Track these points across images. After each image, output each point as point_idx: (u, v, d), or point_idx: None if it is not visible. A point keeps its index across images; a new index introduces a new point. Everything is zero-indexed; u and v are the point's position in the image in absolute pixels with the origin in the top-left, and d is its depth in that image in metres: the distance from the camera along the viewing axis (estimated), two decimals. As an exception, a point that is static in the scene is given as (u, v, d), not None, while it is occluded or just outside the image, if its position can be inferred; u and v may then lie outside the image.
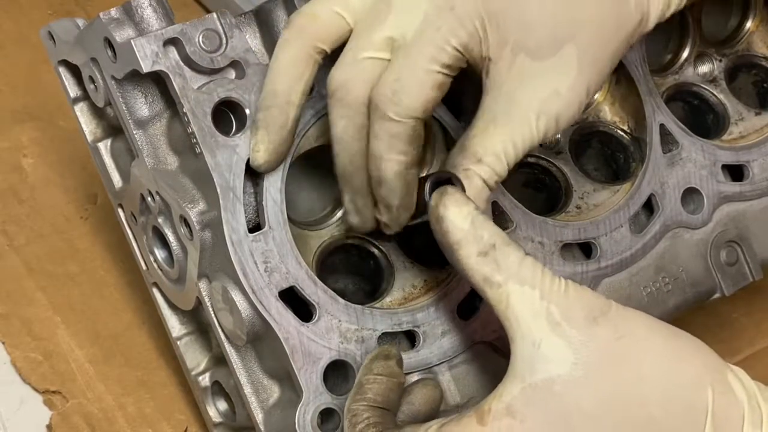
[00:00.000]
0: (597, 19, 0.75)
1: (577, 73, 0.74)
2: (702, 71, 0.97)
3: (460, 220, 0.69)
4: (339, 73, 0.74)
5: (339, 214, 0.82)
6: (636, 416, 0.66)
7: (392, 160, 0.73)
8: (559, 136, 0.89)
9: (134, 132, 0.81)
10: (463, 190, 0.71)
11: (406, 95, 0.72)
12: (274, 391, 0.80)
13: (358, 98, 0.74)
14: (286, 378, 0.77)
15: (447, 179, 0.71)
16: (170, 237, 0.81)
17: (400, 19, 0.73)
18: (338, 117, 0.75)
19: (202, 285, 0.79)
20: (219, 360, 0.86)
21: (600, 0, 0.75)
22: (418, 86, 0.72)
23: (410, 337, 0.79)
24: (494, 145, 0.74)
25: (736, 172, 0.92)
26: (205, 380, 0.87)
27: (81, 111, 0.89)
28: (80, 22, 0.86)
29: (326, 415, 0.75)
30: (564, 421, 0.66)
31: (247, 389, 0.79)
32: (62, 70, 0.89)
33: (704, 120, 0.95)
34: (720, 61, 0.97)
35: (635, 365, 0.67)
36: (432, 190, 0.71)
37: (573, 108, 0.75)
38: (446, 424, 0.68)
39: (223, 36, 0.76)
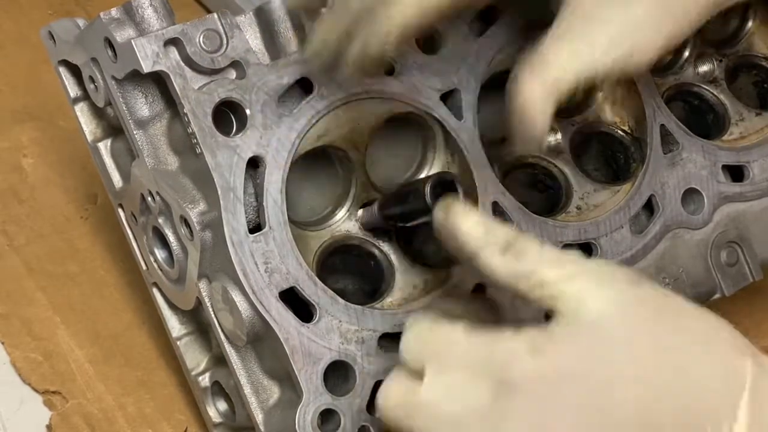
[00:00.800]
0: None
1: (662, 12, 0.73)
2: (702, 71, 0.97)
3: (473, 228, 0.68)
4: None
5: (340, 214, 0.82)
6: (673, 364, 0.64)
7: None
8: (559, 136, 0.89)
9: (134, 132, 0.81)
10: (464, 193, 0.71)
11: None
12: (274, 392, 0.80)
13: None
14: (286, 378, 0.77)
15: (449, 182, 0.71)
16: (170, 237, 0.81)
17: None
18: None
19: (203, 285, 0.79)
20: (219, 360, 0.86)
21: None
22: None
23: (410, 338, 0.79)
24: (557, 55, 0.72)
25: (736, 173, 0.91)
26: (205, 380, 0.87)
27: (81, 111, 0.89)
28: (80, 22, 0.86)
29: (326, 416, 0.75)
30: (604, 355, 0.64)
31: (247, 389, 0.79)
32: (62, 70, 0.89)
33: (704, 120, 0.95)
34: (720, 61, 0.97)
35: (676, 317, 0.66)
36: (432, 191, 0.71)
37: (651, 48, 0.73)
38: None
39: (224, 36, 0.76)
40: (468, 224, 0.68)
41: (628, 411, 0.63)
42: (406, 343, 0.69)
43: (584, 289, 0.65)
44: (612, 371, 0.64)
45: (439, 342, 0.68)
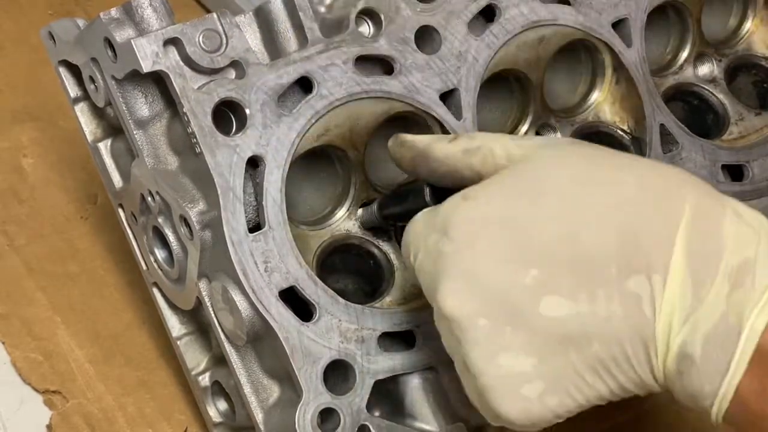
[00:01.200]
0: None
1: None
2: (702, 71, 0.97)
3: (422, 137, 0.74)
4: None
5: (340, 213, 0.83)
6: (604, 199, 0.65)
7: None
8: (559, 136, 0.89)
9: (134, 132, 0.81)
10: None
11: None
12: (273, 391, 0.80)
13: None
14: (286, 378, 0.77)
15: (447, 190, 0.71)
16: (170, 237, 0.81)
17: None
18: None
19: (202, 285, 0.79)
20: (219, 360, 0.86)
21: None
22: None
23: (410, 337, 0.79)
24: None
25: (735, 172, 0.91)
26: (205, 380, 0.87)
27: (81, 111, 0.90)
28: (80, 22, 0.86)
29: (326, 415, 0.75)
30: (537, 190, 0.66)
31: (247, 389, 0.79)
32: (62, 70, 0.89)
33: (704, 120, 0.95)
34: (720, 61, 0.97)
35: (609, 158, 0.68)
36: (432, 192, 0.72)
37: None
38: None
39: (224, 36, 0.76)
40: (418, 136, 0.74)
41: (555, 247, 0.64)
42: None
43: (528, 147, 0.68)
44: (537, 210, 0.65)
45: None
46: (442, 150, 0.72)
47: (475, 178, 0.70)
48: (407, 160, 0.75)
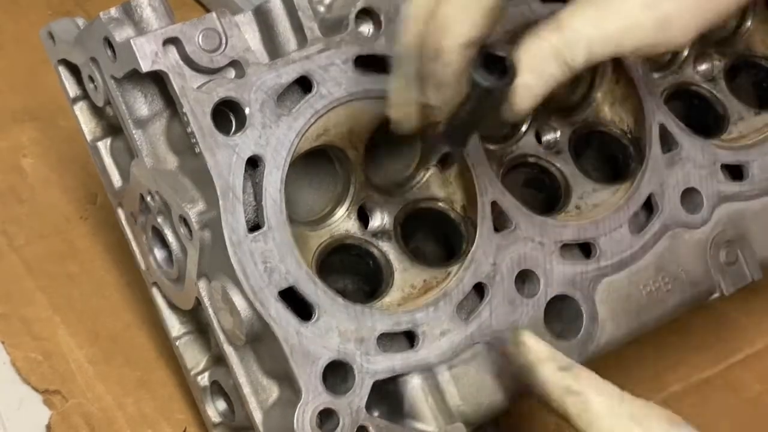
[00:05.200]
0: None
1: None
2: (701, 71, 0.97)
3: (540, 344, 0.74)
4: None
5: (339, 213, 0.82)
6: None
7: (461, 28, 0.69)
8: (558, 136, 0.89)
9: (134, 131, 0.81)
10: (515, 75, 0.69)
11: None
12: (273, 391, 0.80)
13: None
14: (285, 378, 0.77)
15: (500, 58, 0.69)
16: (170, 237, 0.81)
17: None
18: None
19: (202, 285, 0.79)
20: (218, 360, 0.86)
21: None
22: None
23: (409, 337, 0.79)
24: (579, 22, 0.71)
25: (735, 172, 0.92)
26: (204, 380, 0.87)
27: (80, 110, 0.90)
28: (80, 21, 0.86)
29: (325, 415, 0.75)
30: None
31: (246, 389, 0.79)
32: (62, 69, 0.89)
33: (704, 120, 0.95)
34: (719, 60, 0.97)
35: None
36: (482, 63, 0.69)
37: (688, 10, 0.72)
38: None
39: (223, 35, 0.76)
40: (537, 341, 0.74)
41: None
42: None
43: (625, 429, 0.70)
44: None
45: None
46: (545, 375, 0.73)
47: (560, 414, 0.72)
48: (514, 359, 0.76)
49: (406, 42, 0.71)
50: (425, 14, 0.70)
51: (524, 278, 0.82)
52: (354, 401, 0.76)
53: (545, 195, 0.89)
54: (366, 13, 0.80)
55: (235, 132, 0.76)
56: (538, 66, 0.71)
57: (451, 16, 0.69)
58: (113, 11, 0.79)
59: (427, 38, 0.70)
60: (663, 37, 0.72)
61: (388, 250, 0.82)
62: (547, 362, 0.73)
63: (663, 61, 0.96)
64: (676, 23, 0.72)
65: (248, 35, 0.79)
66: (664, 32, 0.72)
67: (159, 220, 0.81)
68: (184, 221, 0.78)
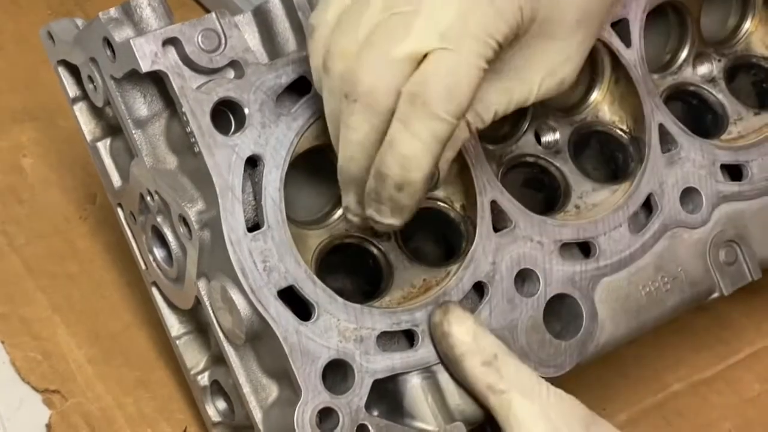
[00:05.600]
0: None
1: (584, 38, 0.77)
2: (701, 71, 0.97)
3: (463, 334, 0.76)
4: (369, 77, 0.69)
5: (338, 213, 0.83)
6: None
7: (426, 163, 0.70)
8: (558, 135, 0.89)
9: (133, 131, 0.81)
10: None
11: (462, 93, 0.69)
12: (272, 390, 0.80)
13: (389, 105, 0.69)
14: (284, 377, 0.77)
15: None
16: (169, 236, 0.81)
17: (434, 13, 0.69)
18: (362, 122, 0.71)
19: (201, 284, 0.79)
20: (218, 359, 0.86)
21: None
22: (469, 84, 0.69)
23: (409, 337, 0.79)
24: (489, 94, 0.74)
25: (735, 172, 0.92)
26: (204, 379, 0.87)
27: (80, 111, 0.90)
28: (79, 22, 0.86)
29: (325, 414, 0.75)
30: None
31: (246, 388, 0.79)
32: (61, 69, 0.89)
33: (703, 120, 0.95)
34: (719, 61, 0.97)
35: None
36: None
37: (577, 70, 0.78)
38: None
39: (222, 36, 0.76)
40: (459, 329, 0.76)
41: None
42: None
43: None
44: None
45: None
46: (469, 371, 0.75)
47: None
48: (439, 340, 0.77)
49: (357, 168, 0.73)
50: (372, 143, 0.72)
51: (524, 277, 0.82)
52: (354, 400, 0.76)
53: (544, 194, 0.89)
54: (365, 13, 0.80)
55: (235, 132, 0.76)
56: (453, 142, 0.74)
57: (418, 150, 0.70)
58: (113, 11, 0.79)
59: (383, 170, 0.71)
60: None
61: (388, 249, 0.82)
62: (471, 357, 0.75)
63: (662, 62, 0.96)
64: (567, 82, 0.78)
65: (248, 35, 0.79)
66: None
67: (158, 219, 0.81)
68: (184, 221, 0.78)
